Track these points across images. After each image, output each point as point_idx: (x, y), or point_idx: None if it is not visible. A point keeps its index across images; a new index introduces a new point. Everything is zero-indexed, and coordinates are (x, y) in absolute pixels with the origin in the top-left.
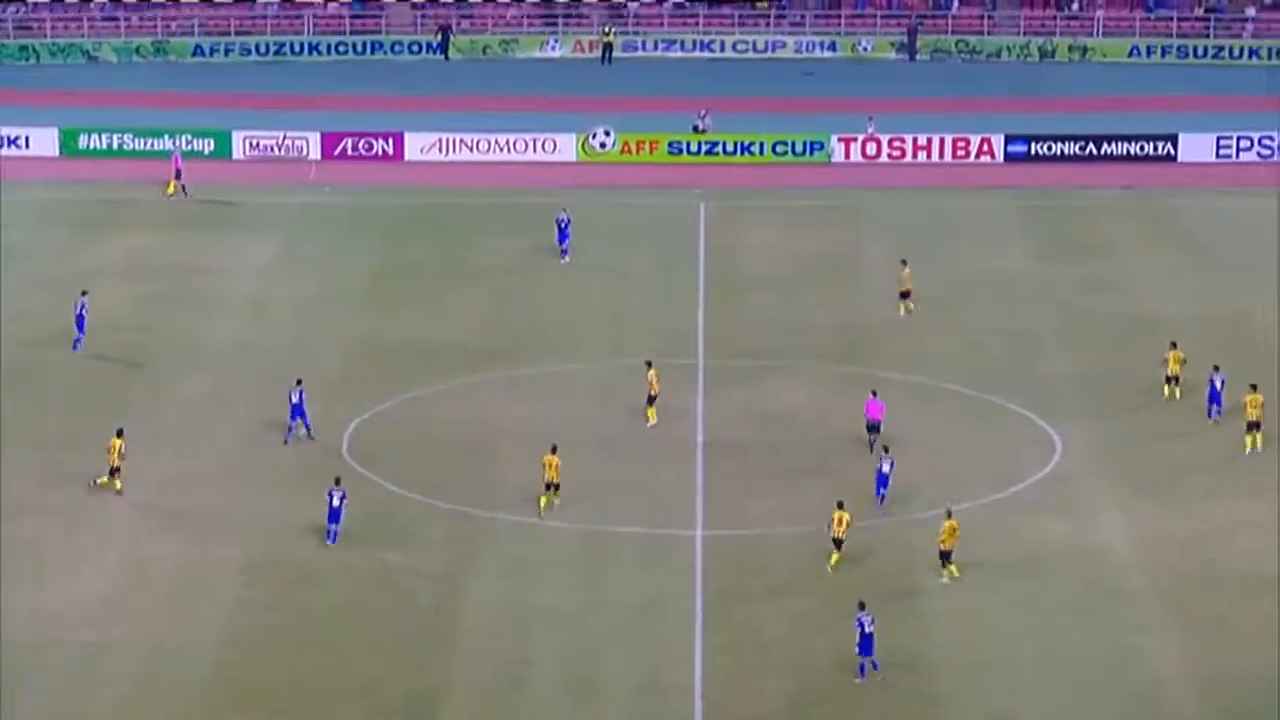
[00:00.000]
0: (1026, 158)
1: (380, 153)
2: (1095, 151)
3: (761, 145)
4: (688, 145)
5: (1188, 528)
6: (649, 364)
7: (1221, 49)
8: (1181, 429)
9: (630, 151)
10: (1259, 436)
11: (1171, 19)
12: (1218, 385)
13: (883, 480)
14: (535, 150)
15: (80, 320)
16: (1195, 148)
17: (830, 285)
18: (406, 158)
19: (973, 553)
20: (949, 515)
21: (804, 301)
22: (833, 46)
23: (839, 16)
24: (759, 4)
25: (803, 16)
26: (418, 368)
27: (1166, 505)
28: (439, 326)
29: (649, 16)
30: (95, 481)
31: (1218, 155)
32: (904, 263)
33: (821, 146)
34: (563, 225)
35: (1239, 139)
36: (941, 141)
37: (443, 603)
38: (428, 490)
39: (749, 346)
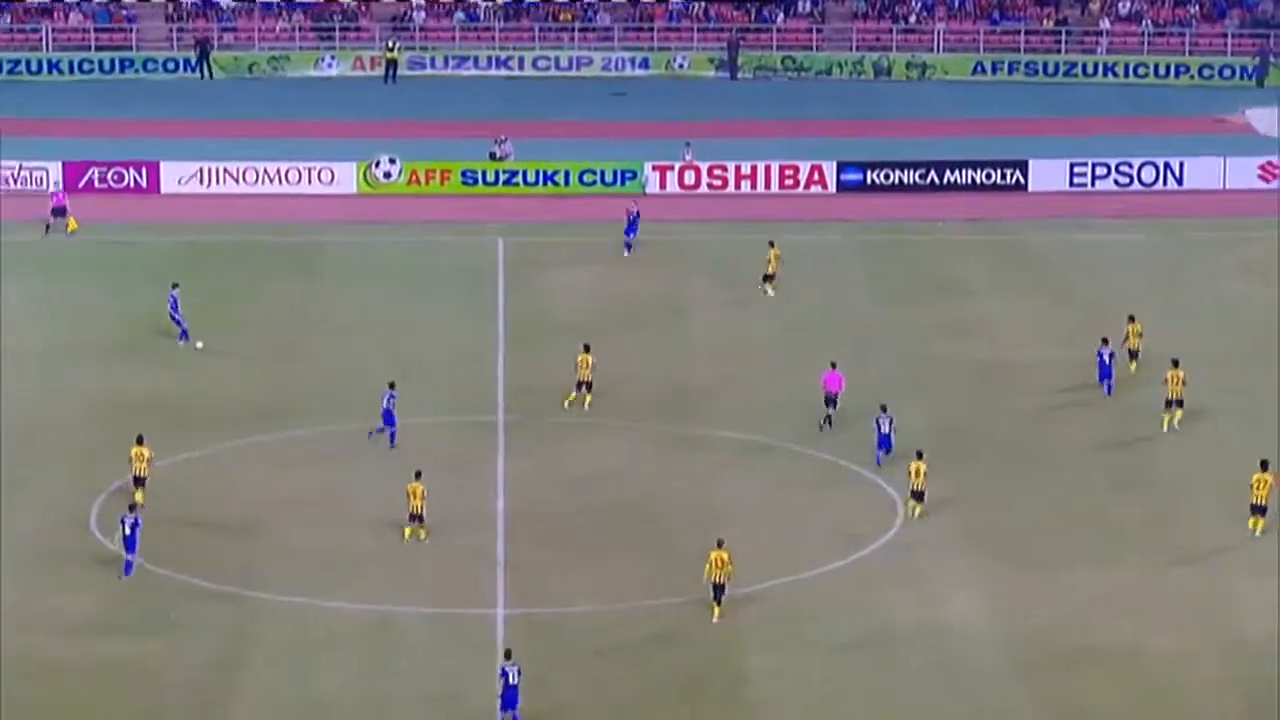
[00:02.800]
0: (862, 187)
1: (132, 184)
2: (937, 180)
3: (566, 175)
4: (483, 175)
5: (1049, 598)
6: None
7: (1074, 66)
8: (1042, 487)
9: (418, 182)
10: (1179, 413)
11: (1019, 33)
12: (1106, 358)
13: (884, 441)
14: (310, 181)
15: None
16: (1047, 175)
17: (648, 331)
18: (163, 190)
19: (811, 630)
20: (720, 544)
21: (618, 350)
22: (645, 64)
23: (651, 30)
24: (562, 16)
25: (611, 30)
26: (178, 430)
27: (1026, 573)
28: (201, 383)
29: (437, 30)
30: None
31: (1071, 184)
32: (771, 244)
33: (634, 176)
34: (633, 217)
35: (1094, 165)
36: (767, 169)
37: (208, 699)
38: (190, 568)
39: (556, 401)
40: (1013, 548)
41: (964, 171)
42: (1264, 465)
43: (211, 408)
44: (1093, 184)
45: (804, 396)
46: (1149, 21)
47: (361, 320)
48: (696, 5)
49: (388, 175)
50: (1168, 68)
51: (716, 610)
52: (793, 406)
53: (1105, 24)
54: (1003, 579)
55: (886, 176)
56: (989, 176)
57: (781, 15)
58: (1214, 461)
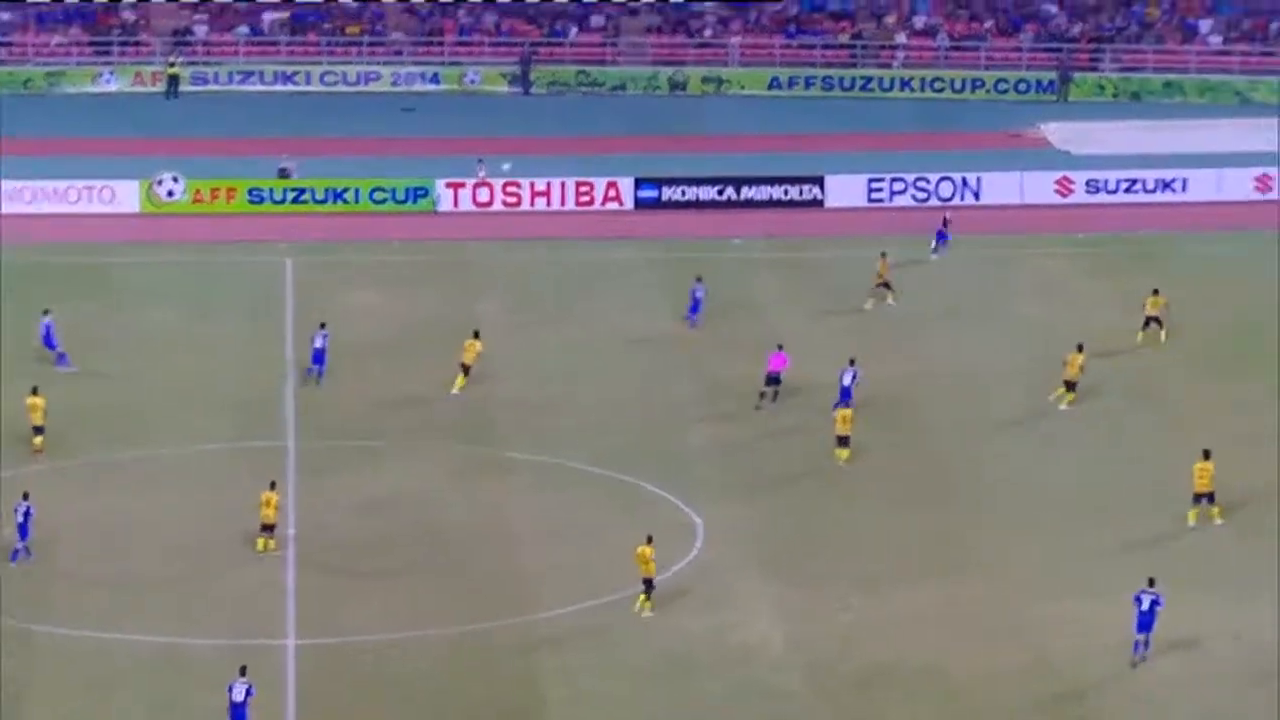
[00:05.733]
0: (658, 204)
1: None
2: (735, 196)
3: (356, 192)
4: (270, 193)
5: (848, 619)
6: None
7: (870, 80)
8: (842, 507)
9: (203, 200)
10: (1071, 396)
11: (815, 47)
12: (846, 381)
13: (846, 393)
14: (90, 200)
15: None
16: (844, 191)
17: (443, 353)
18: None
19: (610, 655)
20: (648, 541)
21: (412, 372)
22: (435, 79)
23: (442, 44)
24: (349, 29)
25: (400, 44)
26: None
27: (824, 594)
28: None
29: (221, 44)
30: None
31: (869, 199)
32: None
33: (426, 193)
34: (698, 296)
35: (892, 181)
36: (563, 186)
37: None
38: None
39: (348, 425)
40: (810, 568)
41: (761, 187)
42: (1206, 454)
43: None
44: (890, 199)
45: (600, 418)
46: (945, 35)
47: (148, 343)
48: (488, 19)
49: (171, 194)
50: (964, 82)
51: (643, 602)
52: (589, 428)
53: (901, 38)
54: (801, 600)
55: (683, 193)
56: (786, 192)
57: (575, 30)
58: (1009, 479)
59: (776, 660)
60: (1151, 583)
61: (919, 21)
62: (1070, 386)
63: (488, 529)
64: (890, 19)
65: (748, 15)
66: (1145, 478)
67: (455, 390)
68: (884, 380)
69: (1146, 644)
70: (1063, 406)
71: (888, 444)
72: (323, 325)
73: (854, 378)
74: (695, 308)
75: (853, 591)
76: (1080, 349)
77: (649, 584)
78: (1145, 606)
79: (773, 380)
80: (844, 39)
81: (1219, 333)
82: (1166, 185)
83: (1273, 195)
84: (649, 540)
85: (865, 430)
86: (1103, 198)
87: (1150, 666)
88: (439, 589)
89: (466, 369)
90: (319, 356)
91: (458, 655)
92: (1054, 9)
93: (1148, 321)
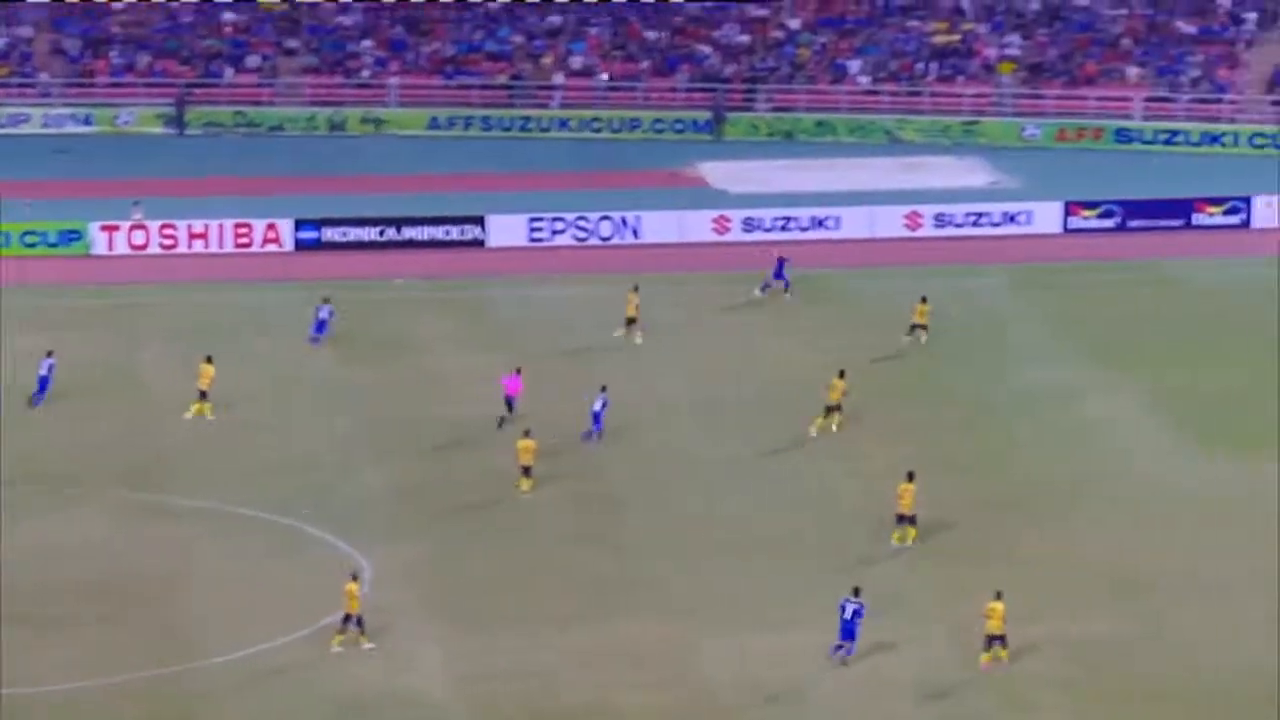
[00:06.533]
0: (319, 245)
1: None
2: (396, 236)
3: (8, 236)
4: None
5: (516, 659)
6: None
7: (529, 120)
8: (516, 545)
9: None
10: (836, 418)
11: (473, 88)
12: (597, 407)
13: (597, 418)
14: None
15: None
16: (505, 231)
17: (105, 399)
18: None
19: (279, 701)
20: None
21: (76, 419)
22: (88, 120)
23: (93, 85)
24: None
25: (50, 86)
26: None
27: (495, 636)
28: None
29: None
30: None
31: (530, 239)
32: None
33: (79, 236)
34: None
35: (553, 220)
36: (220, 228)
37: None
38: None
39: (10, 472)
40: (478, 608)
41: (422, 228)
42: (910, 476)
43: None
44: (552, 238)
45: (265, 461)
46: (602, 76)
47: None
48: (141, 60)
49: None
50: (622, 122)
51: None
52: (255, 472)
53: (559, 78)
54: (468, 641)
55: (344, 234)
56: (447, 232)
57: (231, 70)
58: (689, 513)
59: (444, 702)
60: (856, 592)
61: (576, 62)
62: (830, 410)
63: (152, 576)
64: (547, 60)
65: (406, 56)
66: (836, 506)
67: (190, 415)
68: (562, 417)
69: (848, 650)
70: (813, 432)
71: (561, 479)
72: (49, 353)
73: (604, 405)
74: (320, 328)
75: (523, 630)
76: (842, 375)
77: (349, 619)
78: (848, 615)
79: (509, 404)
80: (502, 79)
81: (883, 363)
82: (820, 223)
83: (922, 232)
84: (354, 577)
85: (535, 467)
86: (759, 235)
87: (821, 691)
88: (115, 636)
89: (204, 394)
90: (44, 384)
91: (135, 702)
92: (708, 50)
93: (913, 328)
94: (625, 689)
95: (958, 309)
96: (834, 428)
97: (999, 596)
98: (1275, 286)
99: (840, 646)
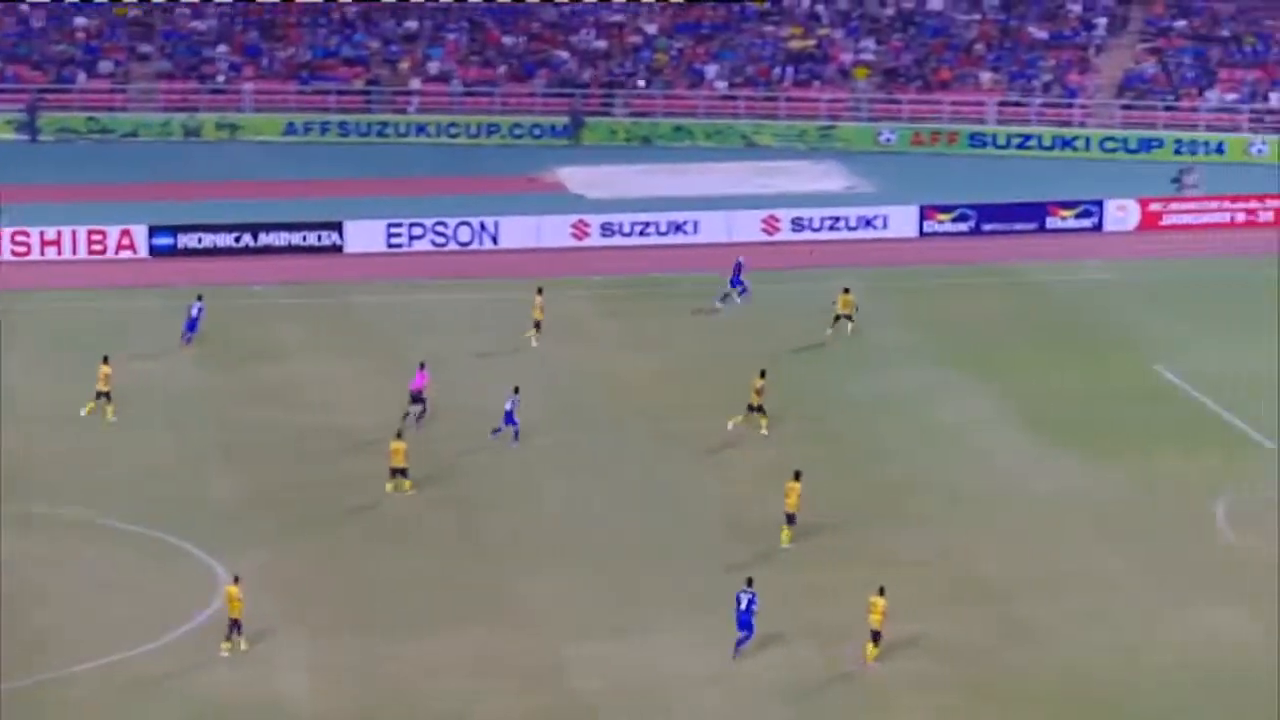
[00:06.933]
0: (174, 252)
1: None
2: (253, 243)
3: None
4: None
5: (376, 669)
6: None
7: (386, 126)
8: (369, 553)
9: None
10: (763, 420)
11: (330, 93)
12: (508, 406)
13: (509, 417)
14: None
15: None
16: (363, 236)
17: None
18: None
19: (137, 713)
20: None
21: None
22: None
23: None
24: None
25: None
26: None
27: (353, 644)
28: None
29: None
30: None
31: (389, 245)
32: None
33: None
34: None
35: (411, 225)
36: (74, 234)
37: None
38: None
39: None
40: (339, 617)
41: (279, 233)
42: (796, 475)
43: None
44: (410, 244)
45: (126, 470)
46: (459, 81)
47: None
48: None
49: None
50: (479, 127)
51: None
52: (117, 482)
53: (416, 84)
54: (328, 650)
55: (200, 240)
56: (305, 238)
57: (83, 75)
58: (535, 521)
59: (303, 711)
60: (749, 582)
61: (433, 68)
62: (752, 410)
63: (13, 586)
64: (404, 65)
65: (261, 61)
66: (696, 510)
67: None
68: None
69: (742, 641)
70: (730, 426)
71: (428, 486)
72: (515, 390)
73: (514, 404)
74: (191, 325)
75: (385, 640)
76: (763, 374)
77: (235, 623)
78: (743, 606)
79: (416, 399)
80: (358, 85)
81: (742, 367)
82: (679, 228)
83: (779, 236)
84: (235, 580)
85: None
86: (617, 240)
87: (686, 695)
88: None
89: (103, 394)
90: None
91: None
92: (565, 55)
93: (837, 318)
94: (487, 697)
95: (815, 313)
96: (763, 430)
97: (881, 592)
98: (1127, 289)
99: (740, 641)
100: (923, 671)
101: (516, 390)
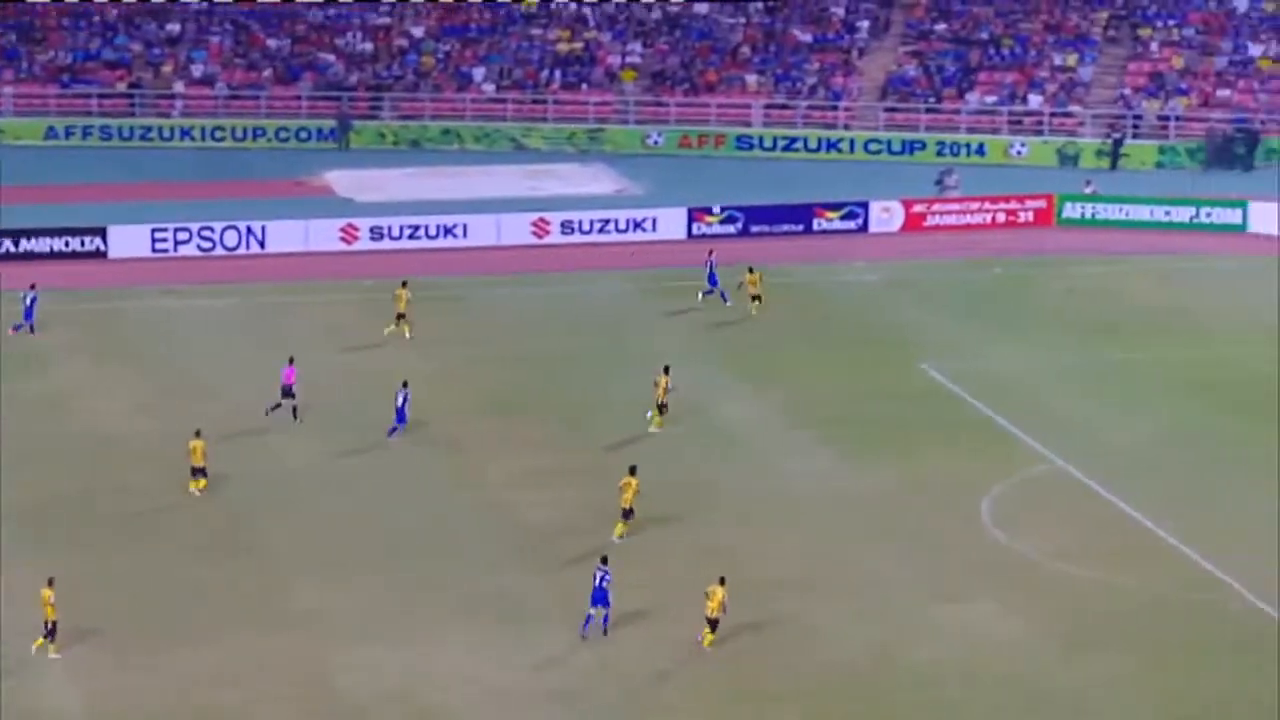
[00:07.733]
0: None
1: None
2: (14, 249)
3: None
4: None
5: (148, 677)
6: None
7: (150, 129)
8: (146, 559)
9: None
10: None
11: (92, 97)
12: (399, 402)
13: (400, 413)
14: None
15: None
16: (127, 241)
17: None
18: None
19: None
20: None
21: None
22: None
23: None
24: None
25: None
26: None
27: (125, 652)
28: None
29: None
30: None
31: (154, 249)
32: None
33: None
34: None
35: (176, 230)
36: None
37: None
38: None
39: None
40: (112, 625)
41: (40, 239)
42: (632, 470)
43: None
44: (175, 249)
45: None
46: (223, 84)
47: None
48: None
49: None
50: (245, 130)
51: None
52: None
53: (180, 87)
54: (100, 658)
55: None
56: (67, 244)
57: None
58: (311, 524)
59: None
60: (604, 560)
61: (196, 71)
62: (662, 408)
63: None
64: (167, 68)
65: (19, 64)
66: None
67: None
68: (181, 433)
69: (605, 618)
70: (653, 429)
71: (190, 496)
72: (404, 384)
73: (405, 399)
74: (28, 314)
75: (160, 647)
76: (666, 371)
77: (51, 627)
78: (599, 582)
79: (287, 393)
80: (121, 88)
81: (511, 371)
82: (448, 231)
83: (549, 239)
84: (50, 583)
85: (170, 479)
86: (387, 244)
87: (454, 701)
88: None
89: None
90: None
91: None
92: (331, 58)
93: (755, 298)
94: (261, 704)
95: (586, 316)
96: (652, 428)
97: (722, 582)
98: (893, 289)
99: (590, 618)
100: (695, 672)
101: (405, 384)
